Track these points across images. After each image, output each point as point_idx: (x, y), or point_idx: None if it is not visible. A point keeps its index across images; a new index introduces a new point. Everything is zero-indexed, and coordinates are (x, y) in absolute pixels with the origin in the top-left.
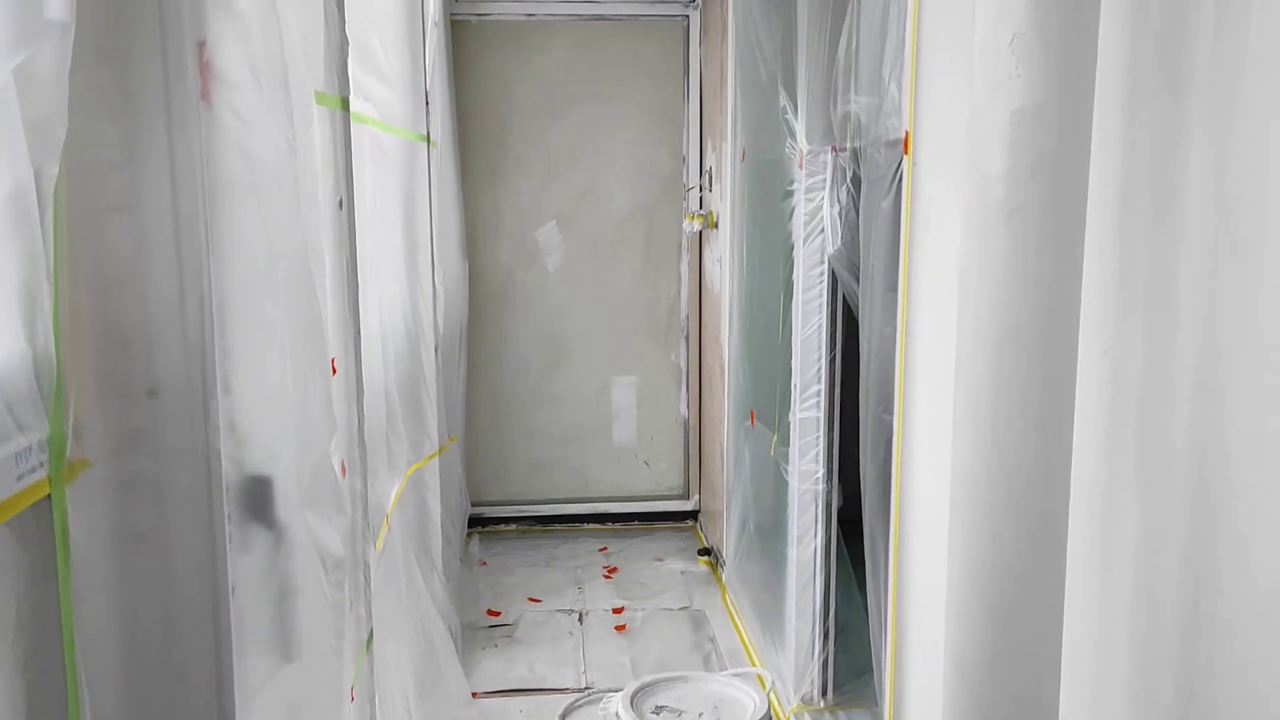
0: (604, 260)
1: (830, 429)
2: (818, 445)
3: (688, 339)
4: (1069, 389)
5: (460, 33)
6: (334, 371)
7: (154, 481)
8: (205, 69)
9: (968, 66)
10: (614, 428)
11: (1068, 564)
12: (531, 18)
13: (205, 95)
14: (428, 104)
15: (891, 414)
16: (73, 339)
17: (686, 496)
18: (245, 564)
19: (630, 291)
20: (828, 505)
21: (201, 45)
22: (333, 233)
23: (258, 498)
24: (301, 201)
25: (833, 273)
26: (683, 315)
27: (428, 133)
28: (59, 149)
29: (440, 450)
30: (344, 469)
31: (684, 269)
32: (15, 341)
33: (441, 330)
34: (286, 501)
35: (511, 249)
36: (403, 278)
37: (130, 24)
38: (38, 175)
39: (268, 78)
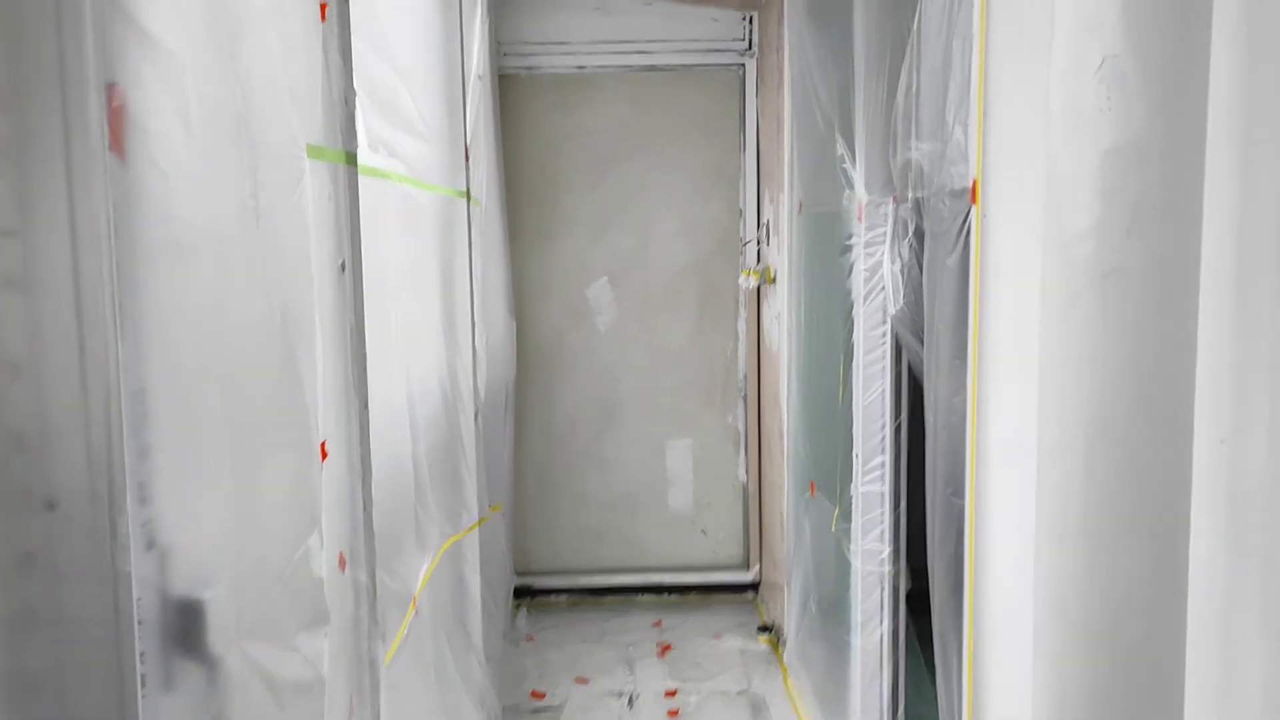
0: (657, 318)
1: (896, 505)
2: (882, 523)
3: (746, 400)
4: (1178, 489)
5: (508, 87)
6: (323, 456)
7: (51, 615)
8: (117, 116)
9: (1044, 102)
10: (669, 493)
11: (1183, 701)
12: (582, 70)
13: (117, 146)
14: (468, 159)
15: (962, 498)
16: None
17: (746, 567)
18: (167, 707)
19: (685, 350)
20: (894, 589)
21: (111, 88)
22: (334, 299)
23: (184, 627)
24: (272, 267)
25: (896, 334)
26: (740, 375)
27: (468, 189)
28: None
29: (481, 521)
30: (343, 561)
31: (741, 326)
32: None
33: (483, 395)
34: (223, 627)
35: (561, 307)
36: (438, 342)
37: (24, 63)
38: None
39: (210, 127)
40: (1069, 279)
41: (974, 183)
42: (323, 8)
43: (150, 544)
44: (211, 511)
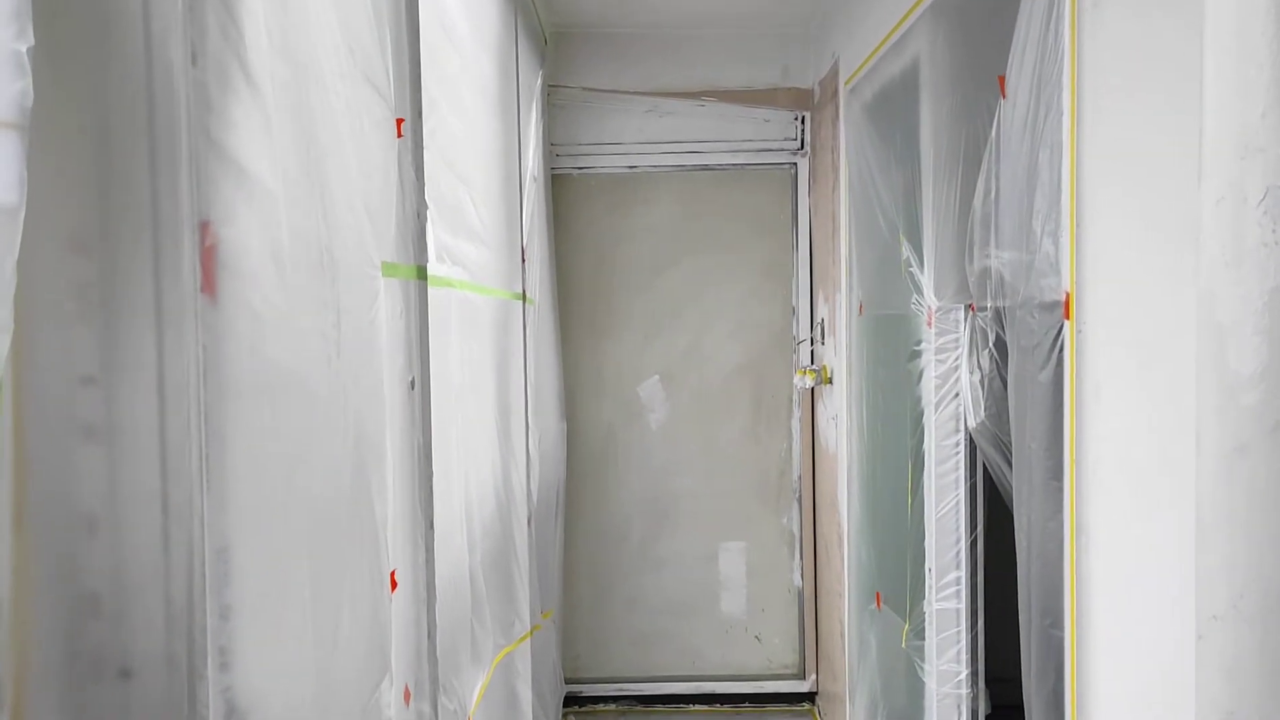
0: (710, 417)
1: (974, 624)
2: (959, 642)
3: (800, 502)
4: None
5: (561, 187)
6: (393, 586)
7: None
8: (209, 255)
9: (1150, 217)
10: (722, 598)
11: None
12: (634, 170)
13: (209, 289)
14: (524, 261)
15: (1061, 629)
16: (18, 604)
17: (802, 676)
18: None
19: (738, 450)
20: (973, 713)
21: (205, 226)
22: (403, 417)
23: None
24: (351, 398)
25: (971, 443)
26: (795, 476)
27: (524, 290)
28: (1, 362)
29: (533, 631)
30: (408, 695)
31: (795, 426)
32: None
33: (536, 499)
34: None
35: (613, 406)
36: (494, 447)
37: (115, 201)
38: None
39: (299, 262)
40: (1236, 428)
41: (1067, 296)
42: (399, 124)
43: (230, 712)
44: (291, 671)
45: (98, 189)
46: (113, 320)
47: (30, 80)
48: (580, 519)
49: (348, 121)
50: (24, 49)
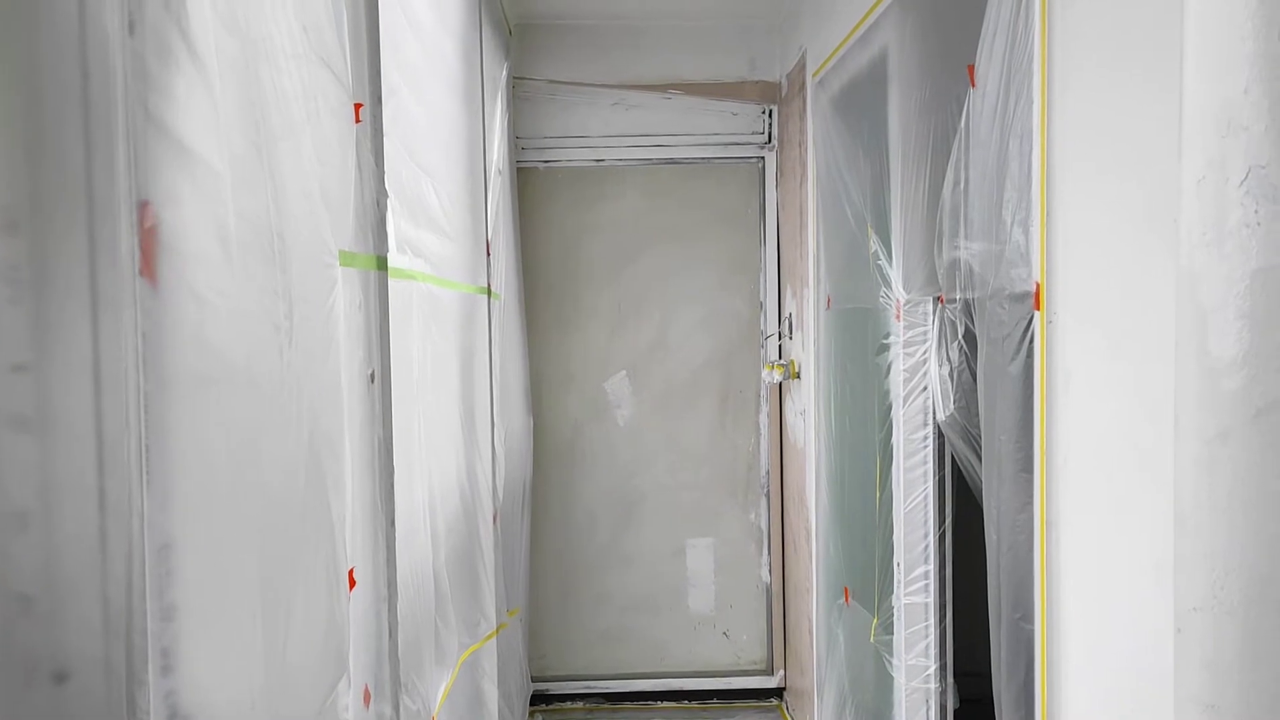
0: (677, 412)
1: (943, 618)
2: (928, 637)
3: (769, 497)
4: None
5: (526, 180)
6: (351, 585)
7: None
8: (149, 237)
9: (1122, 205)
10: (690, 594)
11: None
12: (600, 163)
13: (149, 273)
14: (489, 254)
15: (1032, 623)
16: None
17: (770, 672)
18: None
19: (705, 445)
20: (942, 708)
21: (144, 207)
22: (362, 411)
23: None
24: (305, 390)
25: (940, 436)
26: (762, 471)
27: (488, 284)
28: None
29: (499, 629)
30: (367, 696)
31: (763, 421)
32: None
33: (502, 495)
34: None
35: (579, 401)
36: (458, 443)
37: (45, 178)
38: None
39: (247, 247)
40: (1216, 415)
41: (1038, 287)
42: (357, 109)
43: (172, 716)
44: (240, 673)
45: (27, 165)
46: (44, 304)
47: None
48: (547, 515)
49: (302, 104)
50: None
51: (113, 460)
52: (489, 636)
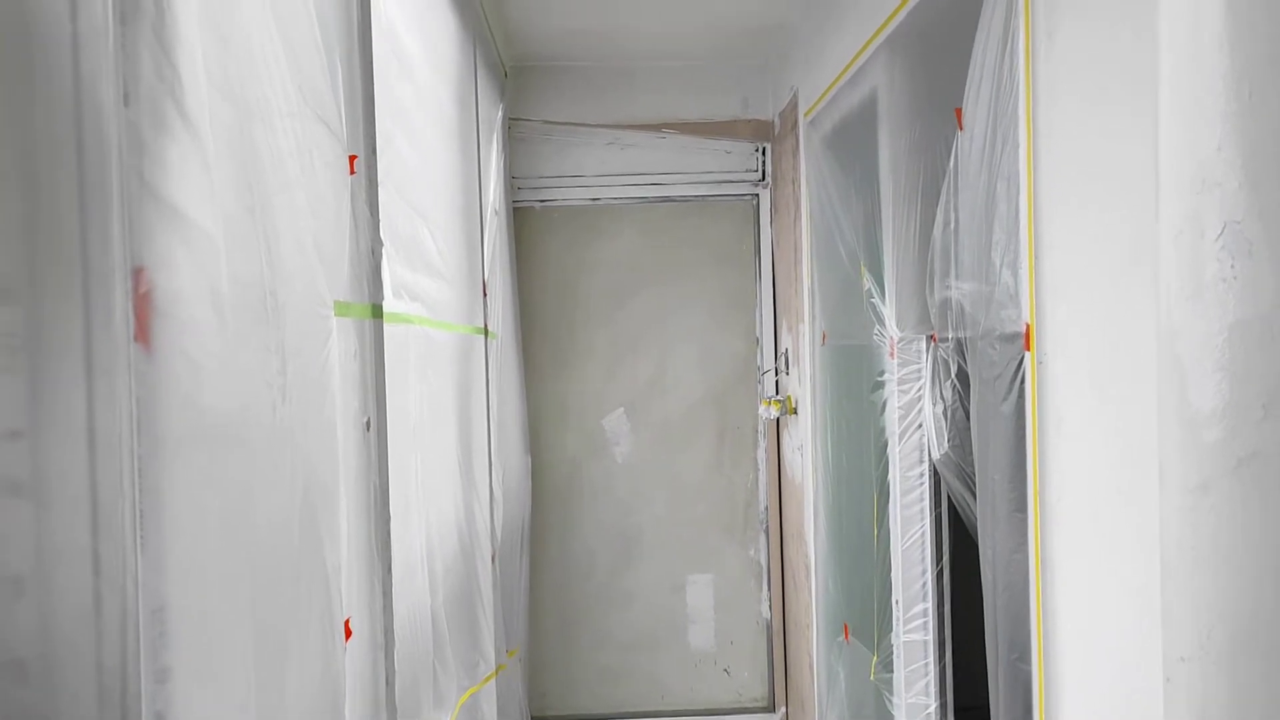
0: (675, 448)
1: (942, 656)
2: (927, 675)
3: (768, 533)
4: None
5: (523, 220)
6: (347, 635)
7: None
8: (143, 302)
9: (1109, 247)
10: (690, 631)
11: None
12: (596, 202)
13: (143, 337)
14: (486, 295)
15: (1029, 664)
16: None
17: (771, 709)
18: None
19: (704, 482)
20: None
21: (139, 272)
22: (358, 459)
23: None
24: (299, 444)
25: (935, 474)
26: (761, 507)
27: (485, 324)
28: None
29: (498, 670)
30: None
31: (761, 457)
32: None
33: (500, 535)
34: None
35: (577, 439)
36: (456, 484)
37: (41, 244)
38: None
39: (240, 307)
40: (1198, 466)
41: (1027, 328)
42: (351, 160)
43: None
44: None
45: (23, 233)
46: (39, 370)
47: None
48: (546, 554)
49: (296, 161)
50: None
51: (107, 524)
52: (488, 678)
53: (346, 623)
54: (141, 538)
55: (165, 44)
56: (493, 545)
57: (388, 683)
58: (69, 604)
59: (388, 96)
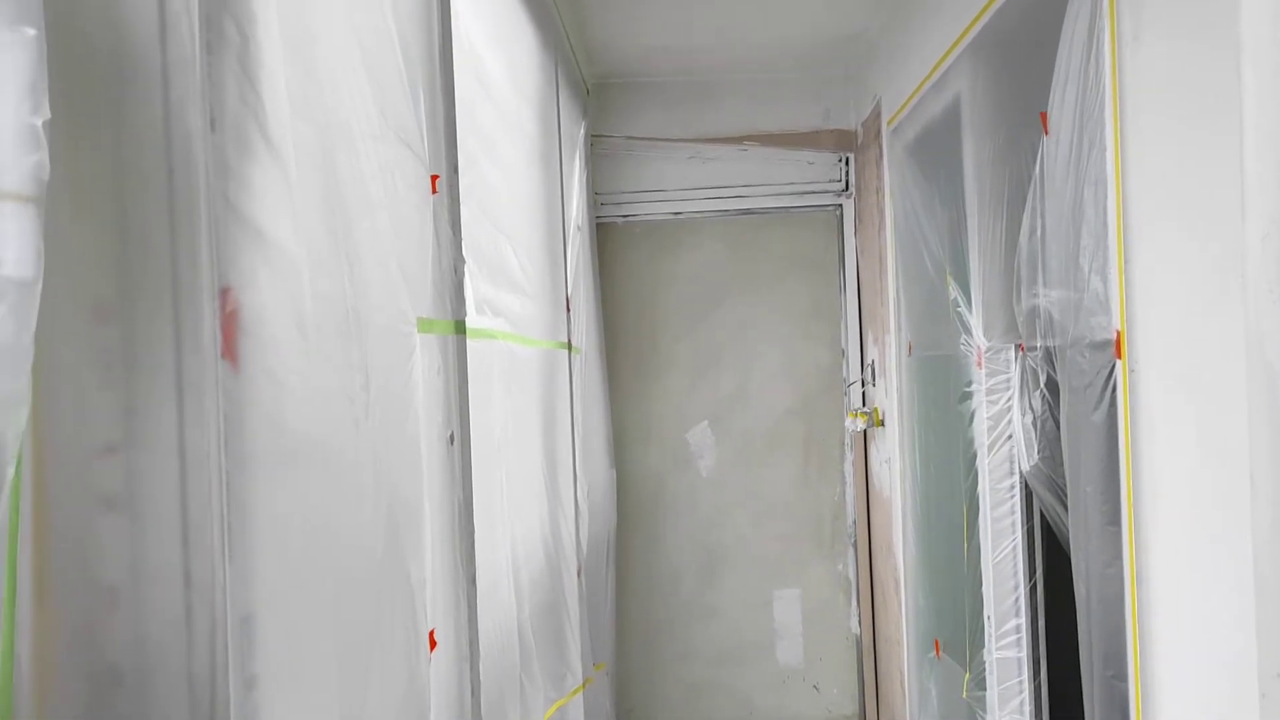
0: (760, 462)
1: (1037, 673)
2: (1022, 693)
3: (856, 547)
4: None
5: (605, 235)
6: (431, 646)
7: None
8: (230, 321)
9: (1201, 251)
10: (778, 646)
11: None
12: (678, 216)
13: (229, 354)
14: (569, 310)
15: (1125, 681)
16: (40, 677)
17: None
18: None
19: (789, 495)
20: None
21: (225, 293)
22: (442, 473)
23: None
24: (382, 459)
25: (1026, 486)
26: (849, 521)
27: (569, 339)
28: (18, 435)
29: (585, 683)
30: None
31: (848, 470)
32: None
33: (585, 548)
34: None
35: (661, 453)
36: (541, 498)
37: (135, 268)
38: None
39: (323, 325)
40: None
41: (1118, 335)
42: (433, 180)
43: None
44: None
45: (118, 257)
46: (133, 388)
47: (46, 153)
48: (631, 568)
49: (379, 182)
50: (39, 123)
51: (197, 537)
52: (575, 691)
53: (431, 634)
54: (229, 550)
55: (249, 71)
56: (578, 558)
57: (473, 694)
58: (161, 613)
59: (470, 117)
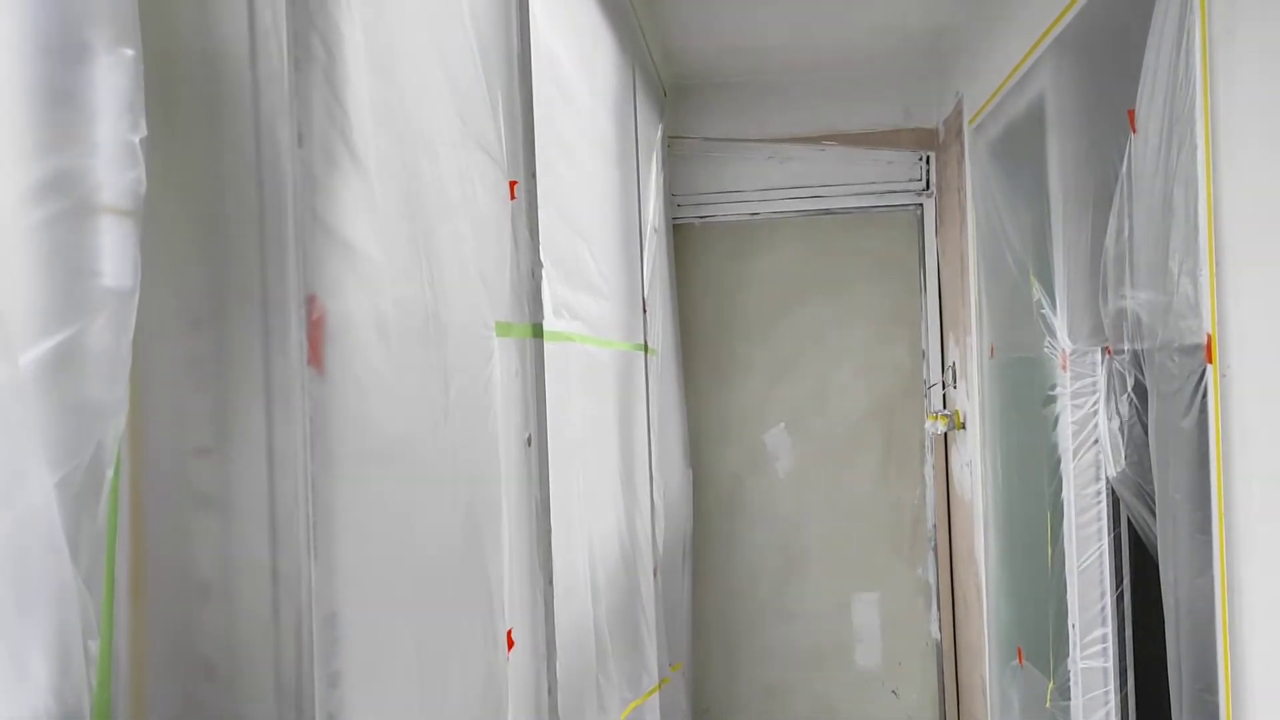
0: (838, 464)
1: (1123, 684)
2: (1108, 704)
3: (936, 551)
4: None
5: (683, 236)
6: (509, 645)
7: None
8: (316, 328)
9: None
10: (856, 650)
11: None
12: (755, 216)
13: (315, 360)
14: (646, 312)
15: (1215, 695)
16: (136, 668)
17: None
18: None
19: (868, 498)
20: None
21: (311, 300)
22: (519, 474)
23: None
24: (461, 459)
25: (1113, 492)
26: (929, 525)
27: (645, 341)
28: (117, 438)
29: (661, 684)
30: None
31: (928, 473)
32: (39, 697)
33: (662, 549)
34: None
35: (738, 454)
36: (618, 499)
37: (229, 279)
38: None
39: (405, 330)
40: None
41: (1209, 339)
42: (512, 186)
43: None
44: None
45: (211, 267)
46: (225, 393)
47: (143, 169)
48: (708, 569)
49: (459, 188)
50: (137, 140)
51: (285, 536)
52: (652, 691)
53: (509, 633)
54: (314, 548)
55: (335, 86)
56: (654, 559)
57: (550, 693)
58: (250, 609)
59: (548, 122)
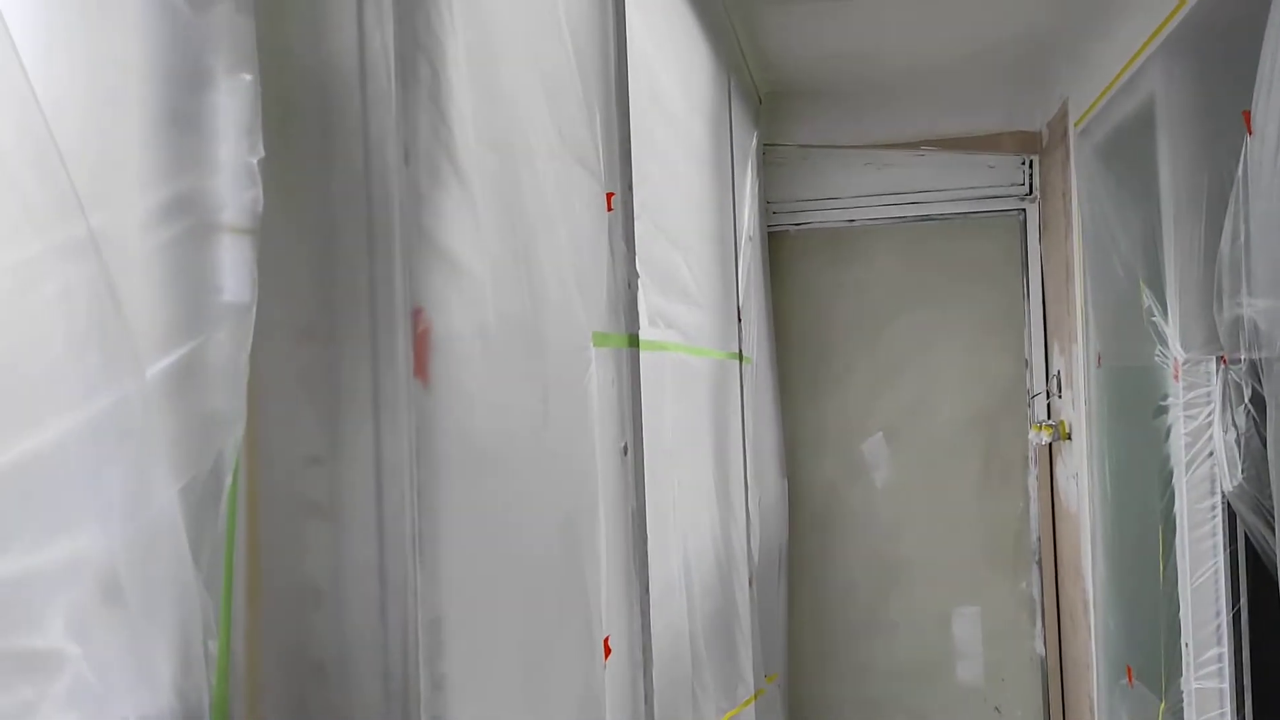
0: (938, 475)
1: (1241, 707)
2: None
3: (1040, 565)
4: None
5: (777, 243)
6: (606, 653)
7: None
8: (422, 341)
9: None
10: (958, 666)
11: None
12: (852, 224)
13: (421, 372)
14: (740, 320)
15: None
16: (252, 670)
17: None
18: None
19: (969, 510)
20: None
21: (417, 313)
22: (616, 483)
23: None
24: (560, 468)
25: (1230, 507)
26: (1033, 538)
27: (740, 350)
28: (235, 448)
29: (757, 694)
30: None
31: (1032, 485)
32: (164, 696)
33: (757, 559)
34: None
35: (835, 464)
36: (712, 507)
37: (340, 293)
38: (204, 479)
39: (506, 342)
40: None
41: None
42: (609, 198)
43: None
44: None
45: (323, 283)
46: (335, 404)
47: (260, 189)
48: (804, 579)
49: (558, 201)
50: (254, 161)
51: (392, 542)
52: (747, 701)
53: (606, 641)
54: (420, 555)
55: (439, 105)
56: (750, 568)
57: (646, 700)
58: (359, 613)
59: (644, 133)
